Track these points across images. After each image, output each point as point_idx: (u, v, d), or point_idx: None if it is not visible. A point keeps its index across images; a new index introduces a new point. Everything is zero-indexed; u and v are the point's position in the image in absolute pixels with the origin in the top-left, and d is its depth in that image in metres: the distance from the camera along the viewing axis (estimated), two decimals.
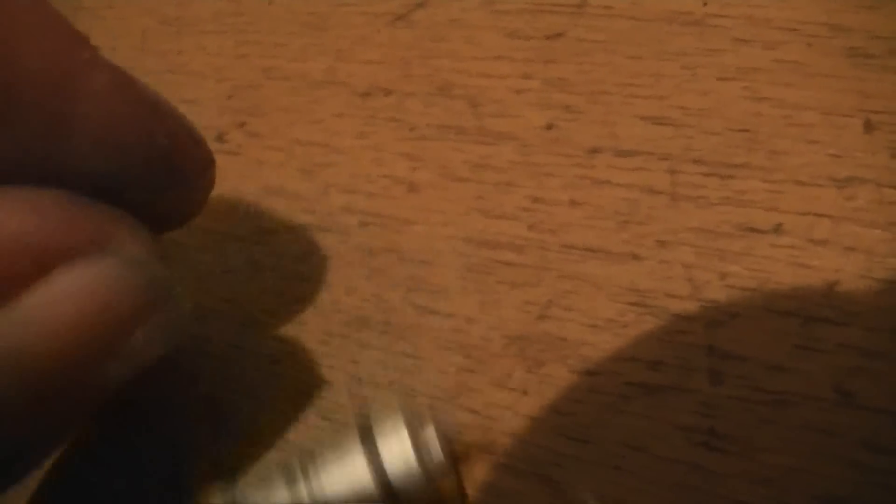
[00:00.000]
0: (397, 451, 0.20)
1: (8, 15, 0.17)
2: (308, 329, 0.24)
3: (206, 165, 0.21)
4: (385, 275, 0.25)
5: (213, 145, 0.29)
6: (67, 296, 0.16)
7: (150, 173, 0.19)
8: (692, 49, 0.25)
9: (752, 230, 0.22)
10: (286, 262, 0.26)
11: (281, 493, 0.20)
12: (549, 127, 0.25)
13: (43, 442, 0.18)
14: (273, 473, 0.21)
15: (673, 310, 0.21)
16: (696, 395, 0.20)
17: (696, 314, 0.21)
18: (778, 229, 0.22)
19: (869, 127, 0.22)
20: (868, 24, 0.24)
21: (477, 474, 0.21)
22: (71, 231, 0.17)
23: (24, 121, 0.17)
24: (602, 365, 0.21)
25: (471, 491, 0.21)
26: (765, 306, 0.21)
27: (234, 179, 0.28)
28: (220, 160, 0.28)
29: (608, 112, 0.25)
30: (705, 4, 0.26)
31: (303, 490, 0.20)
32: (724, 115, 0.24)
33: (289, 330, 0.24)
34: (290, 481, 0.20)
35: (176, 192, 0.20)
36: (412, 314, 0.24)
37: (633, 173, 0.24)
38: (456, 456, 0.21)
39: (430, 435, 0.21)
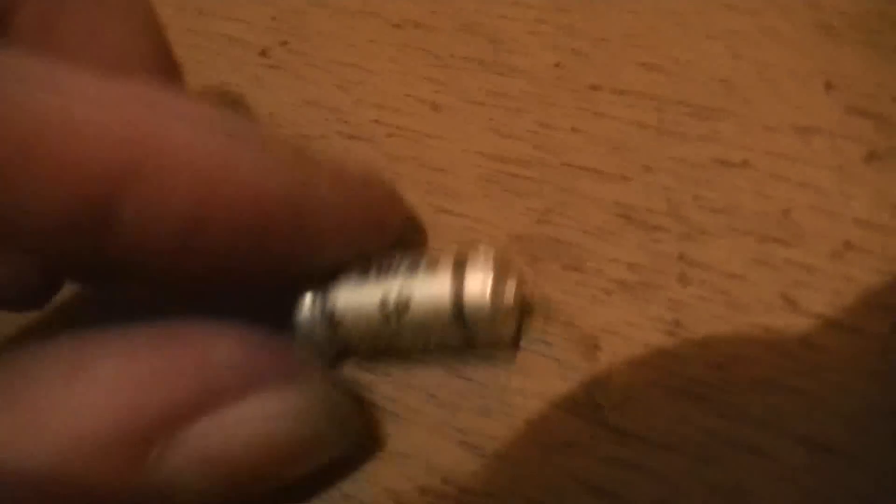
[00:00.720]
0: (480, 280, 0.20)
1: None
2: None
3: (400, 224, 0.23)
4: (406, 178, 0.26)
5: (256, 59, 0.31)
6: (259, 417, 0.18)
7: (357, 241, 0.21)
8: (685, 9, 0.27)
9: (723, 163, 0.23)
10: None
11: (371, 297, 0.21)
12: (557, 65, 0.27)
13: None
14: (363, 279, 0.21)
15: (652, 222, 0.23)
16: (666, 293, 0.22)
17: (670, 227, 0.23)
18: (745, 164, 0.23)
19: (829, 87, 0.24)
20: (836, 2, 0.25)
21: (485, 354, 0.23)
22: (269, 363, 0.19)
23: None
24: (589, 263, 0.23)
25: (473, 359, 0.23)
26: (728, 225, 0.22)
27: (276, 91, 0.30)
28: (262, 73, 0.30)
29: (609, 56, 0.26)
30: None
31: (391, 296, 0.21)
32: (708, 67, 0.25)
33: None
34: (380, 286, 0.21)
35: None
36: (429, 212, 0.25)
37: (626, 109, 0.25)
38: (523, 308, 0.22)
39: (511, 280, 0.21)
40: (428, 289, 0.21)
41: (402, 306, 0.21)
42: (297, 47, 0.30)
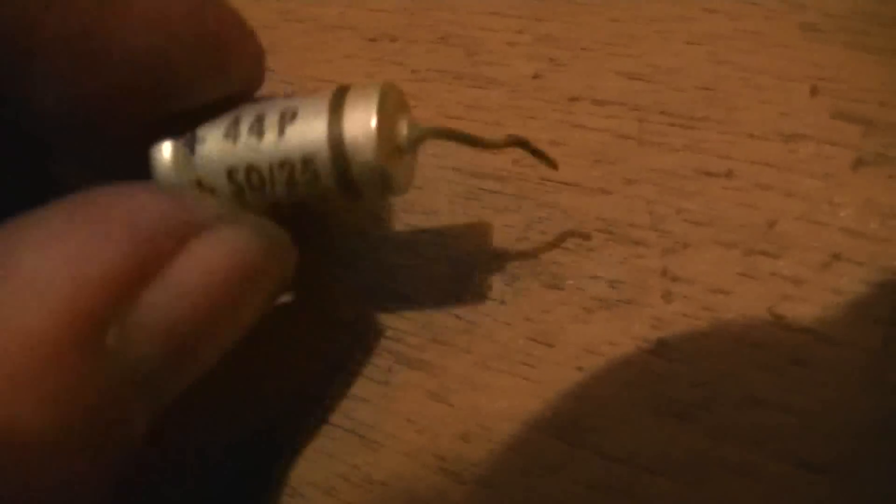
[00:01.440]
0: (361, 118, 0.19)
1: None
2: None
3: (255, 57, 0.21)
4: None
5: None
6: (207, 262, 0.17)
7: (198, 57, 0.19)
8: (665, 15, 0.26)
9: (707, 174, 0.23)
10: None
11: (240, 138, 0.19)
12: (536, 76, 0.26)
13: (184, 382, 0.18)
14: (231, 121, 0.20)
15: (634, 237, 0.22)
16: (649, 311, 0.21)
17: (653, 242, 0.22)
18: (729, 174, 0.22)
19: (815, 91, 0.23)
20: (821, 3, 0.25)
21: (457, 370, 0.22)
22: (195, 210, 0.18)
23: None
24: (569, 281, 0.22)
25: (452, 384, 0.22)
26: (713, 238, 0.22)
27: None
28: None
29: (588, 66, 0.26)
30: None
31: (261, 137, 0.19)
32: (690, 74, 0.25)
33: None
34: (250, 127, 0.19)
35: (224, 81, 0.20)
36: (405, 231, 0.25)
37: (606, 120, 0.25)
38: (416, 145, 0.20)
39: (402, 118, 0.20)
40: (305, 126, 0.19)
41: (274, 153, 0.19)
42: (273, 64, 0.29)
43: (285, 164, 0.19)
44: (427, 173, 0.25)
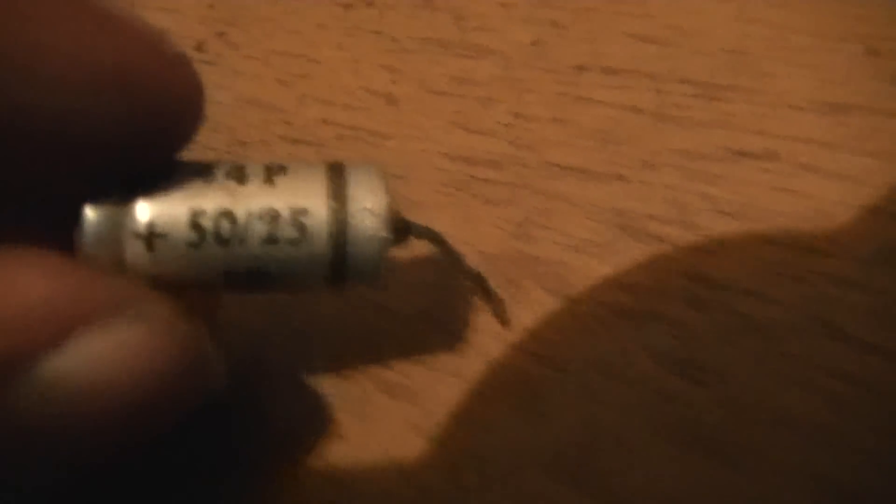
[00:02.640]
0: (368, 194, 0.17)
1: None
2: None
3: (180, 88, 0.17)
4: None
5: (191, 55, 0.27)
6: (87, 360, 0.15)
7: (97, 101, 0.15)
8: None
9: (738, 153, 0.21)
10: None
11: (215, 179, 0.17)
12: (534, 43, 0.24)
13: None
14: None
15: (653, 232, 0.20)
16: (672, 320, 0.19)
17: (676, 237, 0.20)
18: (766, 153, 0.20)
19: (870, 53, 0.21)
20: None
21: (444, 394, 0.20)
22: (87, 293, 0.15)
23: None
24: (577, 286, 0.20)
25: (439, 411, 0.20)
26: (749, 232, 0.20)
27: (209, 89, 0.27)
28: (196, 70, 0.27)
29: (595, 29, 0.24)
30: None
31: (242, 181, 0.17)
32: (714, 35, 0.23)
33: None
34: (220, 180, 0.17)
35: (146, 126, 0.16)
36: None
37: (618, 92, 0.22)
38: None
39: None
40: (298, 180, 0.17)
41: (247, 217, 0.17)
42: (236, 38, 0.27)
43: (269, 213, 0.16)
44: (410, 158, 0.23)
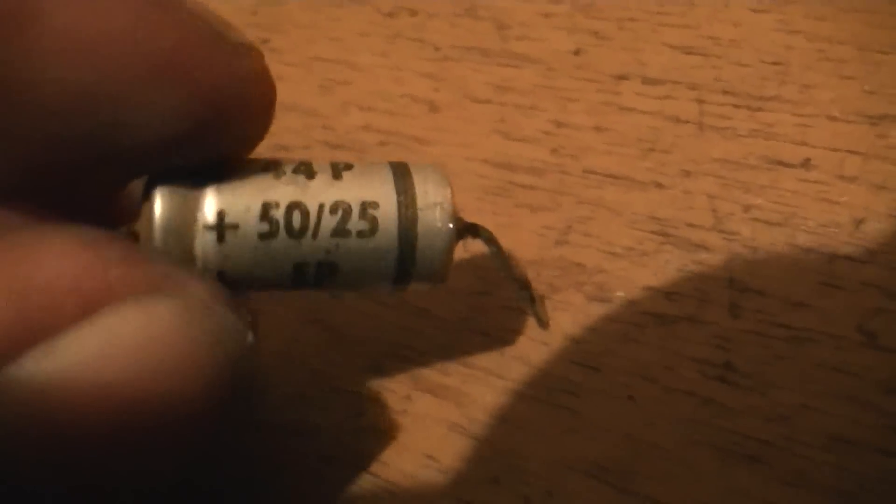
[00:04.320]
0: (435, 190, 0.17)
1: None
2: None
3: (243, 79, 0.16)
4: None
5: None
6: (110, 340, 0.14)
7: (154, 91, 0.14)
8: None
9: (780, 163, 0.21)
10: None
11: (283, 175, 0.16)
12: (576, 52, 0.24)
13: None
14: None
15: (693, 240, 0.20)
16: (713, 328, 0.19)
17: (717, 246, 0.20)
18: (806, 164, 0.20)
19: None
20: None
21: (486, 398, 0.20)
22: (126, 272, 0.14)
23: None
24: (618, 293, 0.20)
25: (479, 415, 0.20)
26: (789, 241, 0.19)
27: None
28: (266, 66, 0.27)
29: (637, 39, 0.24)
30: None
31: (311, 177, 0.16)
32: (756, 46, 0.22)
33: None
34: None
35: (208, 121, 0.15)
36: None
37: (659, 101, 0.22)
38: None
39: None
40: (365, 176, 0.17)
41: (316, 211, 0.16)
42: (278, 44, 0.27)
43: (339, 206, 0.16)
44: (452, 165, 0.23)
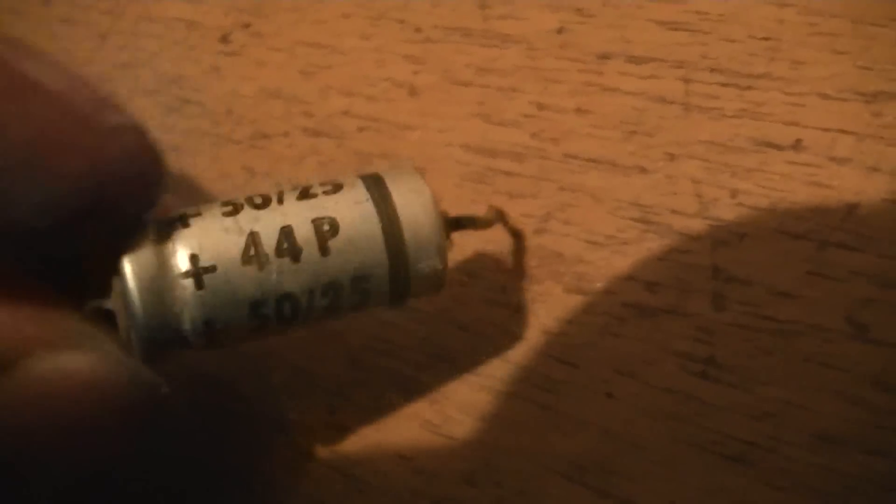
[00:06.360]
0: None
1: None
2: None
3: (120, 156, 0.15)
4: None
5: (215, 46, 0.28)
6: (28, 386, 0.14)
7: (21, 182, 0.14)
8: None
9: (769, 145, 0.20)
10: (282, 167, 0.24)
11: (268, 264, 0.16)
12: (559, 31, 0.23)
13: None
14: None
15: (677, 227, 0.20)
16: (696, 320, 0.19)
17: (701, 233, 0.19)
18: (797, 145, 0.19)
19: None
20: None
21: (460, 395, 0.20)
22: (43, 324, 0.15)
23: None
24: (598, 284, 0.20)
25: (453, 413, 0.19)
26: (777, 228, 0.19)
27: (233, 81, 0.27)
28: (221, 62, 0.27)
29: (622, 16, 0.23)
30: None
31: (296, 259, 0.16)
32: (745, 21, 0.21)
33: None
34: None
35: (89, 203, 0.15)
36: None
37: (644, 81, 0.22)
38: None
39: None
40: (353, 242, 0.16)
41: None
42: (260, 29, 0.27)
43: (331, 287, 0.16)
44: (431, 151, 0.23)
